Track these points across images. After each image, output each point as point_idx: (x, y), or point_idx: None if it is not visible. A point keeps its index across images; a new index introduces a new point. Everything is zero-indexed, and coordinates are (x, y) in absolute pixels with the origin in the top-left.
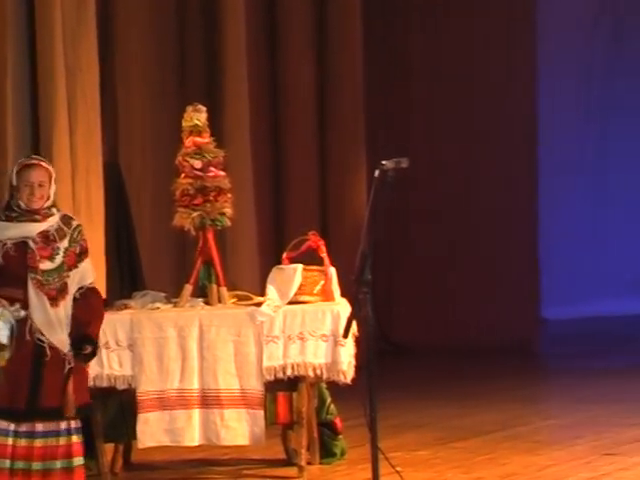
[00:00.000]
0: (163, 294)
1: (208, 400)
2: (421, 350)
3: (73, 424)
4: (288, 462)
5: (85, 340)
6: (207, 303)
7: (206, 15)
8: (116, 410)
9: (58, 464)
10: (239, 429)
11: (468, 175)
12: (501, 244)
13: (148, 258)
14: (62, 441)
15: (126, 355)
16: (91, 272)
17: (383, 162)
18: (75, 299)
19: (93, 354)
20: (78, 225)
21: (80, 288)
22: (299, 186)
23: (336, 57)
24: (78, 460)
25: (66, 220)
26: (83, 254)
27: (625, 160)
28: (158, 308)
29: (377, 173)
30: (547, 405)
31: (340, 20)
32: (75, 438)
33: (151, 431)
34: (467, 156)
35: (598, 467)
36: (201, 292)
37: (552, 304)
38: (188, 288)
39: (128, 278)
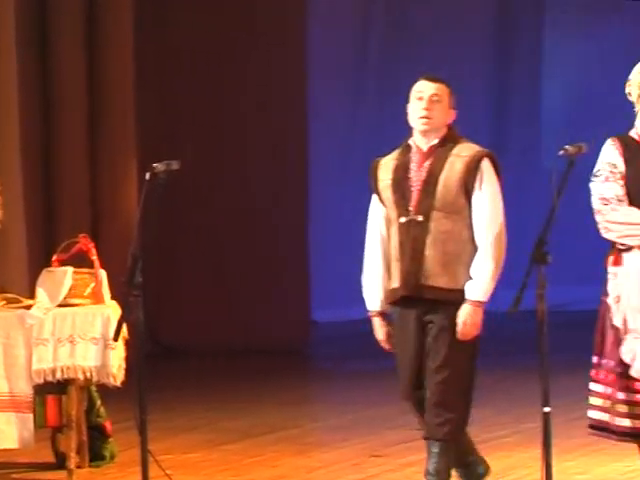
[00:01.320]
0: None
1: None
2: (193, 352)
3: None
4: (57, 465)
5: None
6: None
7: None
8: None
9: None
10: (7, 432)
11: (240, 177)
12: (273, 245)
13: None
14: None
15: None
16: None
17: (154, 165)
18: None
19: None
20: None
21: None
22: (69, 188)
23: (106, 57)
24: None
25: None
26: None
27: None
28: None
29: (148, 176)
30: (317, 407)
31: (110, 20)
32: None
33: None
34: (239, 157)
35: (366, 469)
36: None
37: (322, 306)
38: None
39: None
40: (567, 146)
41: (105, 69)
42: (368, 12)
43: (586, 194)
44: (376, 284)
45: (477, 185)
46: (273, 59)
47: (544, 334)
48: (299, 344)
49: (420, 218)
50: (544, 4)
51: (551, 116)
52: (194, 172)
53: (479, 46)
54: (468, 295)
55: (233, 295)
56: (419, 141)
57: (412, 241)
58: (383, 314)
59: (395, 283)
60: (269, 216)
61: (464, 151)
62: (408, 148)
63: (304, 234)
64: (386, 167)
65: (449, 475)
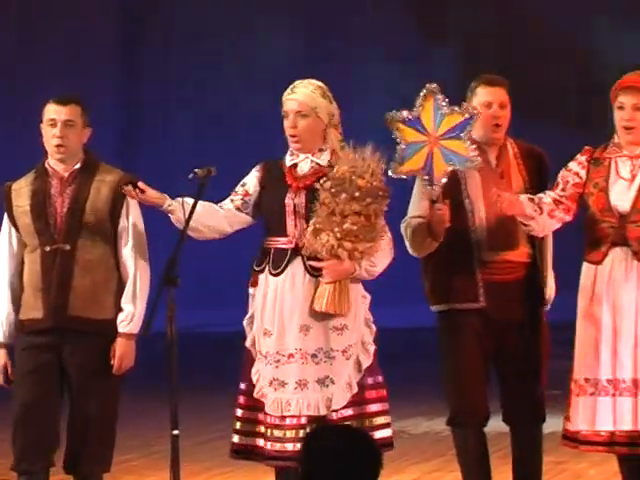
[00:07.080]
0: None
1: None
2: None
3: None
4: None
5: None
6: None
7: None
8: None
9: None
10: None
11: None
12: None
13: None
14: None
15: None
16: None
17: None
18: None
19: None
20: None
21: None
22: None
23: None
24: None
25: None
26: None
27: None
28: None
29: None
30: None
31: None
32: None
33: None
34: None
35: None
36: None
37: None
38: None
39: None
40: (197, 169)
41: None
42: None
43: None
44: (3, 314)
45: (124, 211)
46: None
47: (174, 356)
48: None
49: (67, 247)
50: (174, 23)
51: (183, 138)
52: None
53: (108, 60)
54: (123, 328)
55: None
56: (57, 166)
57: (58, 270)
58: (6, 346)
59: (37, 313)
60: None
61: (108, 176)
62: (45, 173)
63: None
64: (21, 193)
65: None
